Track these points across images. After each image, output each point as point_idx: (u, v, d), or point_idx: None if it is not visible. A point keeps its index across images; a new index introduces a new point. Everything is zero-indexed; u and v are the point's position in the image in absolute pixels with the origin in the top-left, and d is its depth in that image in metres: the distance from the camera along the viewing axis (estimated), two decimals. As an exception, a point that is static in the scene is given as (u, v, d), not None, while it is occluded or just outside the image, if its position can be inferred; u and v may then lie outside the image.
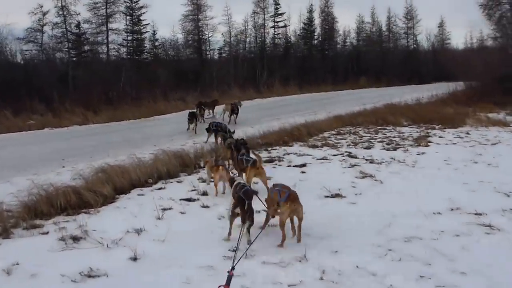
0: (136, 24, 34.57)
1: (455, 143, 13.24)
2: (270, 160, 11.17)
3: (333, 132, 16.12)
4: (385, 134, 15.33)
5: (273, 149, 12.82)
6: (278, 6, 43.54)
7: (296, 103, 26.56)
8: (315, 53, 46.81)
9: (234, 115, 19.51)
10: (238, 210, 5.94)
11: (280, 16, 43.83)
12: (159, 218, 6.89)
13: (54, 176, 9.69)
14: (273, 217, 5.98)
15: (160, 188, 8.72)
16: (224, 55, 41.94)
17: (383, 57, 52.37)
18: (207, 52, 39.73)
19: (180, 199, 7.81)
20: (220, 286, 3.86)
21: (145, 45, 35.84)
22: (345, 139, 14.44)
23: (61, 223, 6.69)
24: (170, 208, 7.36)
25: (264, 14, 42.93)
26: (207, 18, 39.13)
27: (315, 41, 47.48)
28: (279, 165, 10.71)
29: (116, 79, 28.49)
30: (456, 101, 24.39)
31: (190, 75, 34.61)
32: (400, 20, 56.40)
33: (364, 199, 7.79)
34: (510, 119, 18.44)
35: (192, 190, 8.44)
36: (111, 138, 15.93)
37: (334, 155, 11.74)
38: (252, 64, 40.19)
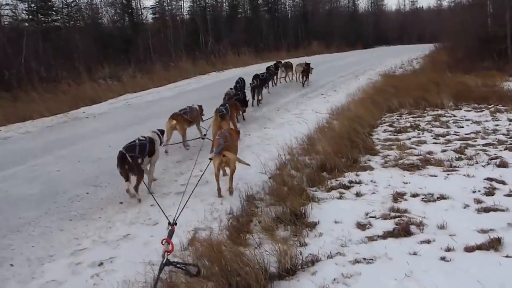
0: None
1: None
2: (402, 233, 4.84)
3: (386, 126, 10.42)
4: (460, 126, 9.96)
5: (354, 183, 6.50)
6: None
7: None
8: (262, 13, 39.99)
9: (305, 77, 17.50)
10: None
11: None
12: None
13: None
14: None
15: None
16: (157, 16, 33.20)
17: (328, 19, 47.33)
18: (139, 13, 31.18)
19: None
20: (163, 239, 3.59)
21: (54, 1, 25.89)
22: (425, 142, 8.70)
23: None
24: None
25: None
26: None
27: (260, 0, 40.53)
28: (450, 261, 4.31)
29: (15, 52, 19.09)
30: (450, 67, 20.35)
31: (118, 44, 26.56)
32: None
33: None
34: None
35: None
36: (12, 182, 7.42)
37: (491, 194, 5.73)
38: (193, 28, 32.22)
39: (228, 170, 6.50)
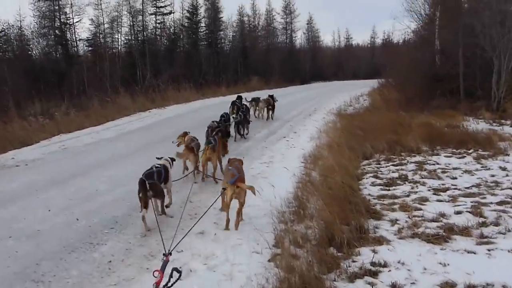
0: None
1: None
2: None
3: (370, 177, 9.38)
4: (453, 177, 9.10)
5: (378, 266, 5.23)
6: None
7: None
8: (202, 48, 38.71)
9: (271, 111, 18.28)
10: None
11: (162, 1, 33.83)
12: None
13: None
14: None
15: None
16: (91, 48, 30.83)
17: (267, 55, 47.37)
18: (73, 44, 28.67)
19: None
20: (154, 271, 3.44)
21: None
22: (427, 199, 7.63)
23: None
24: None
25: (143, -4, 31.99)
26: (71, -4, 27.78)
27: (201, 34, 39.20)
28: None
29: None
30: (401, 105, 19.93)
31: (50, 77, 24.16)
32: (279, 15, 52.57)
33: None
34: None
35: None
36: None
37: None
38: (130, 62, 30.19)
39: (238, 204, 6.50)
